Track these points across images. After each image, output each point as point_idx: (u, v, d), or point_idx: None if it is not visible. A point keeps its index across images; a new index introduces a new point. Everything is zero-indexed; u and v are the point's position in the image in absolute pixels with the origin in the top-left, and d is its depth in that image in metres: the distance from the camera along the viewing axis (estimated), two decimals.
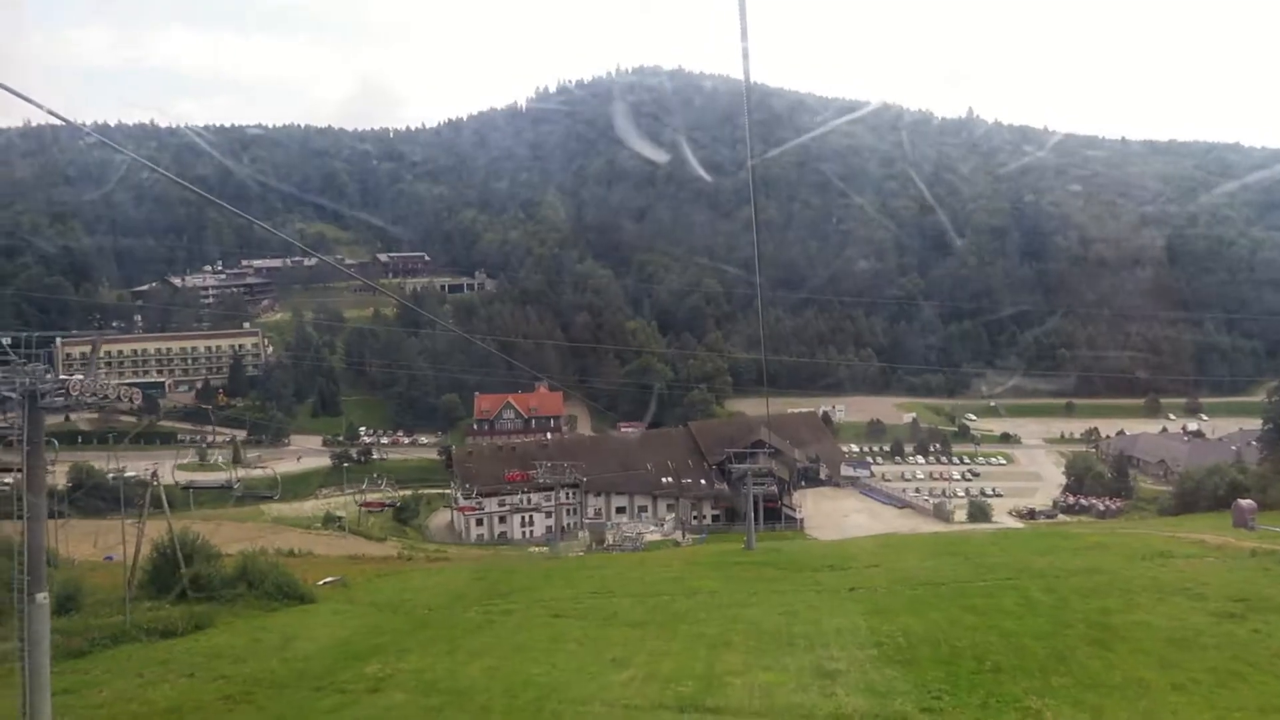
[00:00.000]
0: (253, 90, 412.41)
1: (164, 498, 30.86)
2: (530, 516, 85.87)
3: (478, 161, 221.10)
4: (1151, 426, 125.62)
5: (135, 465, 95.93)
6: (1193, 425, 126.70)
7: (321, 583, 34.17)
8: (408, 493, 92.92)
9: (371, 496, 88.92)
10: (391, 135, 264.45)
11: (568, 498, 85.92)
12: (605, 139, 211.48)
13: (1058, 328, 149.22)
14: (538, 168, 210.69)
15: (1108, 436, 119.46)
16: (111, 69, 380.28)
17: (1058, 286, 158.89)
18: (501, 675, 19.75)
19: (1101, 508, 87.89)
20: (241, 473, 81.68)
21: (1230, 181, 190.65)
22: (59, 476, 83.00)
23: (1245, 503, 39.63)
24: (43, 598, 13.26)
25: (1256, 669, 17.91)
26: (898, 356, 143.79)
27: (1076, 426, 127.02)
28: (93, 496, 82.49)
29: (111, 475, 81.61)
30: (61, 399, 13.40)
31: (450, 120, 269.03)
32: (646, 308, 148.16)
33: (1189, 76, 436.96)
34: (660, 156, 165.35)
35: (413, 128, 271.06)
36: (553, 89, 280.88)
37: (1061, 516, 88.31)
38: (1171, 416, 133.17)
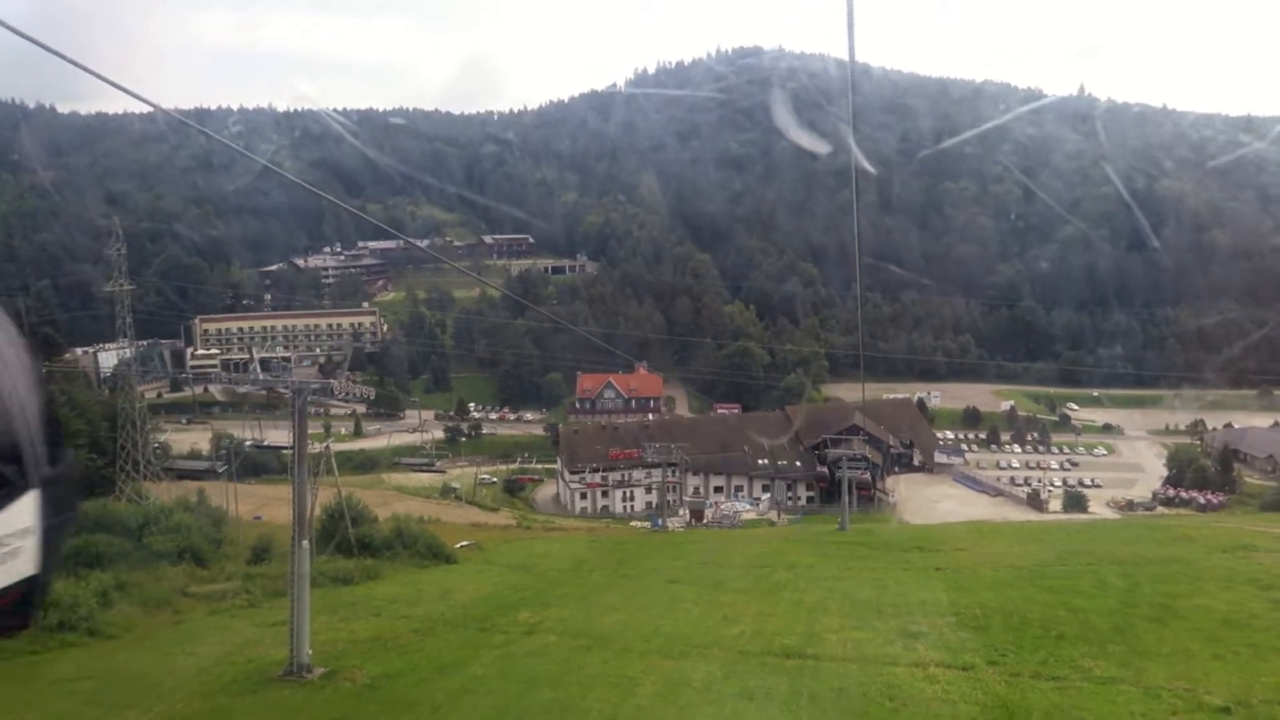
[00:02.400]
0: (360, 72, 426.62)
1: (334, 465, 35.62)
2: (631, 492, 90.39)
3: (578, 144, 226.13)
4: (1264, 420, 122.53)
5: (268, 434, 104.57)
6: None
7: (459, 545, 38.76)
8: (514, 465, 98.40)
9: (415, 461, 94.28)
10: (495, 118, 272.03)
11: (669, 476, 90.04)
12: (705, 121, 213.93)
13: (1168, 316, 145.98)
14: (636, 150, 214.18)
15: (1214, 429, 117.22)
16: (231, 50, 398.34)
17: (1170, 272, 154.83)
18: (632, 626, 23.60)
19: (1202, 501, 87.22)
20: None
21: None
22: (205, 443, 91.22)
23: None
24: (305, 544, 17.60)
25: None
26: (997, 344, 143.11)
27: (1183, 418, 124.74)
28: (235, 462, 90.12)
29: (250, 443, 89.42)
30: (320, 395, 17.62)
31: (551, 102, 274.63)
32: (745, 291, 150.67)
33: None
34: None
35: (514, 110, 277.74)
36: (651, 70, 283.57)
37: (1160, 509, 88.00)
38: None
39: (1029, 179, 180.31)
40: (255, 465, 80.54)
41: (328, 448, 40.42)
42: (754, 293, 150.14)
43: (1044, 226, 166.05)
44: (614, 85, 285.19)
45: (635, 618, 24.74)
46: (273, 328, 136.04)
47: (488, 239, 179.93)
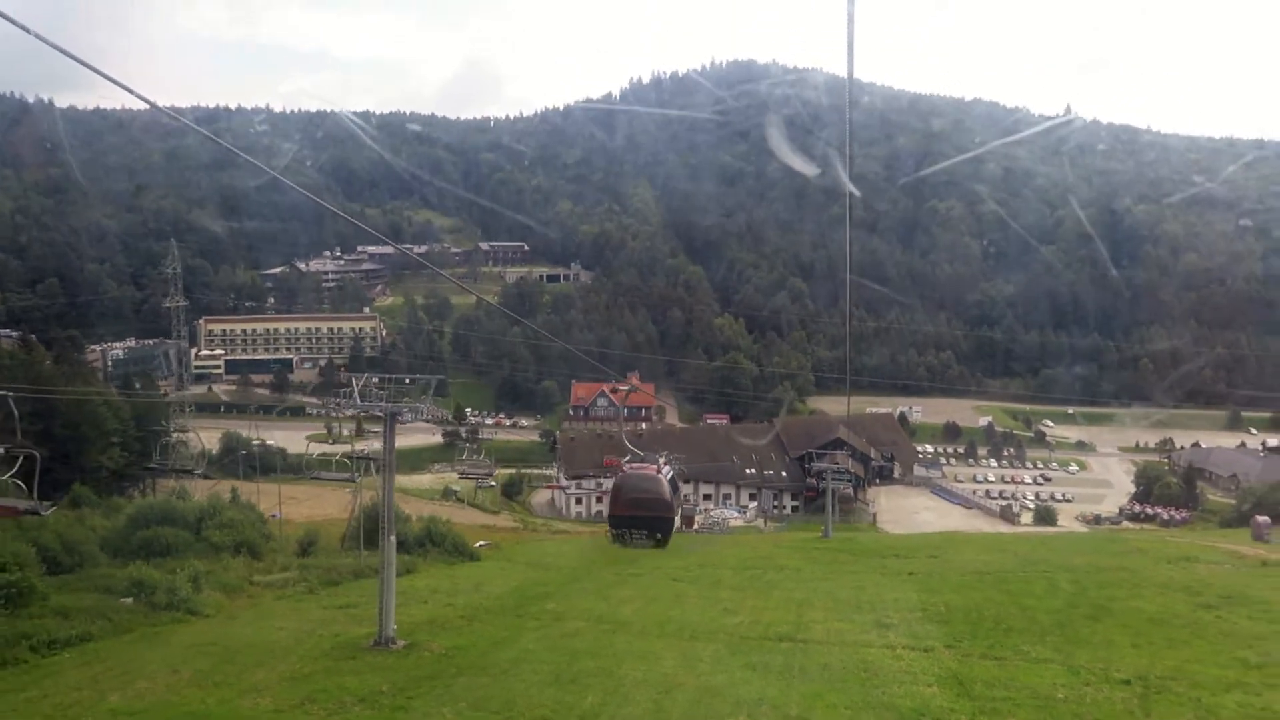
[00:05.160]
0: (356, 71, 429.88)
1: (373, 468, 39.23)
2: None
3: (573, 152, 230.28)
4: (1230, 440, 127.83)
5: (271, 435, 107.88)
6: (1273, 440, 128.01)
7: (479, 545, 42.63)
8: (512, 471, 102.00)
9: (474, 470, 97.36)
10: (492, 124, 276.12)
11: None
12: (697, 133, 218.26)
13: (1142, 336, 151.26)
14: (631, 160, 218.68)
15: (1182, 448, 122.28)
16: (227, 45, 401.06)
17: (1144, 295, 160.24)
18: (647, 614, 27.58)
19: (1166, 517, 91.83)
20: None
21: None
22: (213, 443, 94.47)
23: (1261, 519, 45.18)
24: (393, 538, 21.54)
25: (1200, 639, 24.56)
26: (977, 361, 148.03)
27: (1153, 437, 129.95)
28: (242, 462, 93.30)
29: (256, 443, 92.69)
30: (411, 418, 21.60)
31: (547, 109, 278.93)
32: (735, 304, 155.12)
33: None
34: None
35: (511, 116, 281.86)
36: (647, 80, 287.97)
37: (1126, 524, 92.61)
38: (1253, 431, 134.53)
39: (1012, 200, 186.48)
40: (264, 465, 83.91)
41: (366, 454, 43.81)
42: (744, 306, 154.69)
43: (1025, 247, 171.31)
44: (610, 94, 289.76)
45: (648, 608, 28.72)
46: (275, 330, 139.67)
47: (484, 246, 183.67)
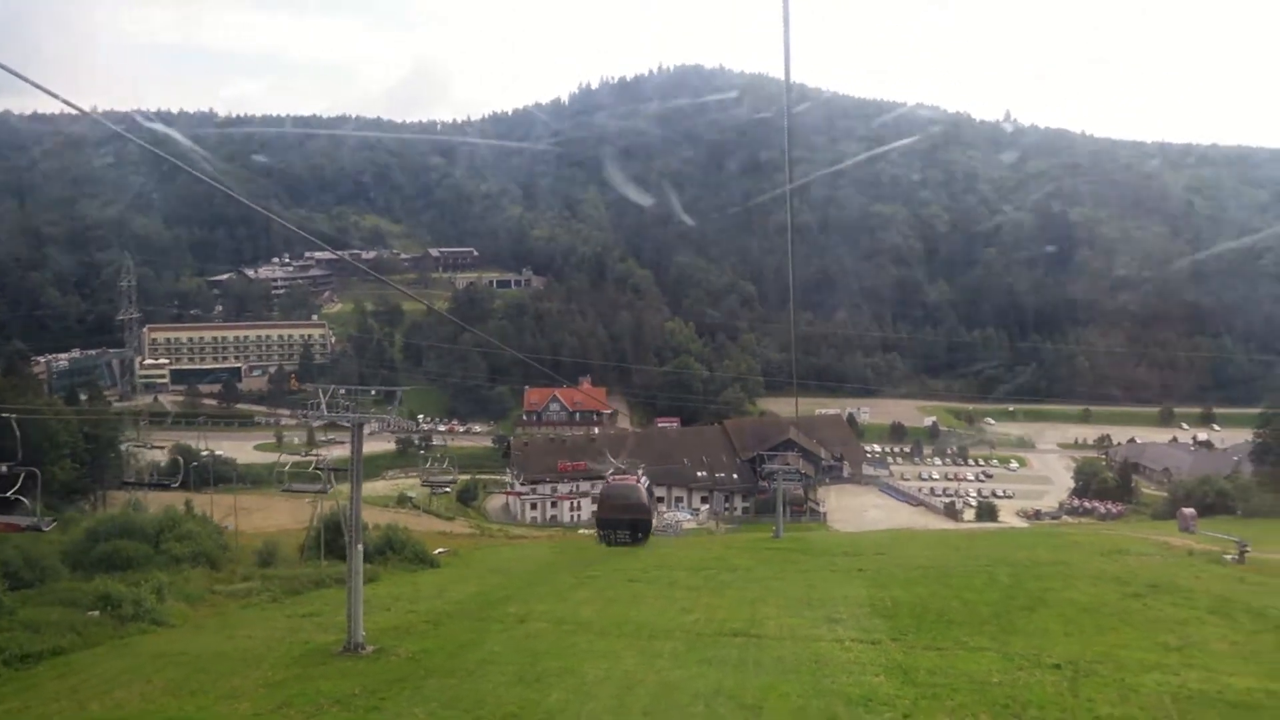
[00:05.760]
0: (300, 74, 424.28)
1: (332, 478, 39.52)
2: (579, 502, 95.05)
3: (522, 158, 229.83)
4: (1164, 435, 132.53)
5: (220, 445, 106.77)
6: (1203, 435, 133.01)
7: (438, 551, 43.17)
8: (467, 477, 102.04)
9: (439, 478, 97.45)
10: (439, 128, 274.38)
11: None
12: (646, 138, 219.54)
13: (1079, 336, 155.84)
14: (580, 166, 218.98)
15: (1118, 444, 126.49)
16: (167, 48, 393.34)
17: (1081, 295, 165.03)
18: (606, 615, 28.50)
19: (1103, 511, 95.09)
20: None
21: (1263, 190, 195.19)
22: (162, 455, 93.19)
23: (1187, 511, 47.53)
24: (360, 546, 22.20)
25: (1127, 625, 26.22)
26: (923, 362, 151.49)
27: (1091, 433, 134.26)
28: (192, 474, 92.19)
29: (205, 454, 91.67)
30: (379, 428, 22.21)
31: (495, 114, 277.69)
32: (685, 308, 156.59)
33: (1236, 78, 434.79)
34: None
35: (459, 121, 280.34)
36: (595, 85, 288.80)
37: (1066, 518, 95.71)
38: (1184, 426, 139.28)
39: (955, 203, 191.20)
40: (217, 477, 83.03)
41: (321, 464, 43.92)
42: (694, 310, 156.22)
43: (967, 249, 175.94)
44: (558, 99, 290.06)
45: (607, 609, 29.64)
46: (223, 338, 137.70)
47: (434, 252, 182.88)
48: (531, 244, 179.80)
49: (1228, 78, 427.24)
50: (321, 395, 22.44)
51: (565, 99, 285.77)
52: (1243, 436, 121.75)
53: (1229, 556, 41.51)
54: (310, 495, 40.85)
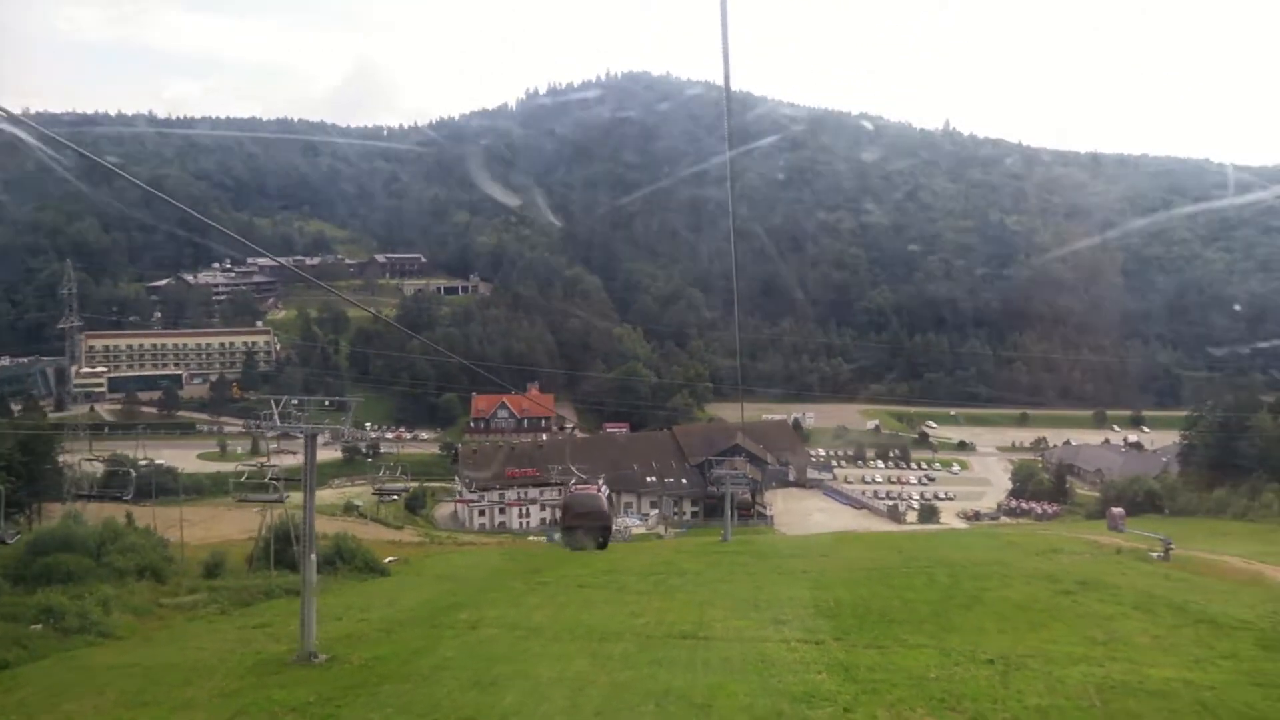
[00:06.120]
0: (242, 75, 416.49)
1: (281, 488, 39.42)
2: (527, 509, 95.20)
3: (469, 162, 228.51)
4: (1097, 437, 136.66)
5: (159, 453, 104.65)
6: (1134, 437, 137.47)
7: (388, 560, 43.18)
8: (415, 484, 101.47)
9: (390, 486, 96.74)
10: (385, 133, 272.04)
11: (560, 494, 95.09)
12: (594, 144, 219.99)
13: (1017, 341, 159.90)
14: (527, 171, 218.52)
15: (1054, 446, 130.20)
16: (104, 46, 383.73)
17: (1019, 301, 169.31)
18: (558, 619, 28.99)
19: (1039, 511, 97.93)
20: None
21: (1190, 200, 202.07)
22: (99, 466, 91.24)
23: (1116, 510, 49.47)
24: (314, 556, 22.37)
25: (1058, 621, 27.52)
26: (866, 367, 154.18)
27: (1028, 436, 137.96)
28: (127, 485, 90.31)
29: (144, 463, 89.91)
30: (334, 440, 22.43)
31: (442, 119, 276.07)
32: (633, 314, 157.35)
33: (1166, 90, 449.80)
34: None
35: (405, 126, 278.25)
36: (543, 91, 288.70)
37: (1004, 519, 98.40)
38: (1116, 428, 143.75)
39: (897, 211, 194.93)
40: (160, 488, 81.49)
41: (275, 476, 43.78)
42: (642, 316, 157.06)
43: (909, 256, 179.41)
44: (505, 104, 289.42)
45: (559, 614, 30.13)
46: (162, 345, 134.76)
47: (380, 258, 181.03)
48: (479, 249, 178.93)
49: (1168, 88, 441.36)
50: (274, 406, 22.58)
51: (512, 103, 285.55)
52: (1171, 438, 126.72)
53: (1154, 554, 43.43)
54: (259, 505, 40.74)
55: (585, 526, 51.04)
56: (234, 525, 63.53)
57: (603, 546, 51.44)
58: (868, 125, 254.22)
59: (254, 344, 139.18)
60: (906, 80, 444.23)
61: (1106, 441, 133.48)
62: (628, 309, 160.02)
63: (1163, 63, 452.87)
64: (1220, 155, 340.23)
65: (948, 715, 17.27)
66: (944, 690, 18.99)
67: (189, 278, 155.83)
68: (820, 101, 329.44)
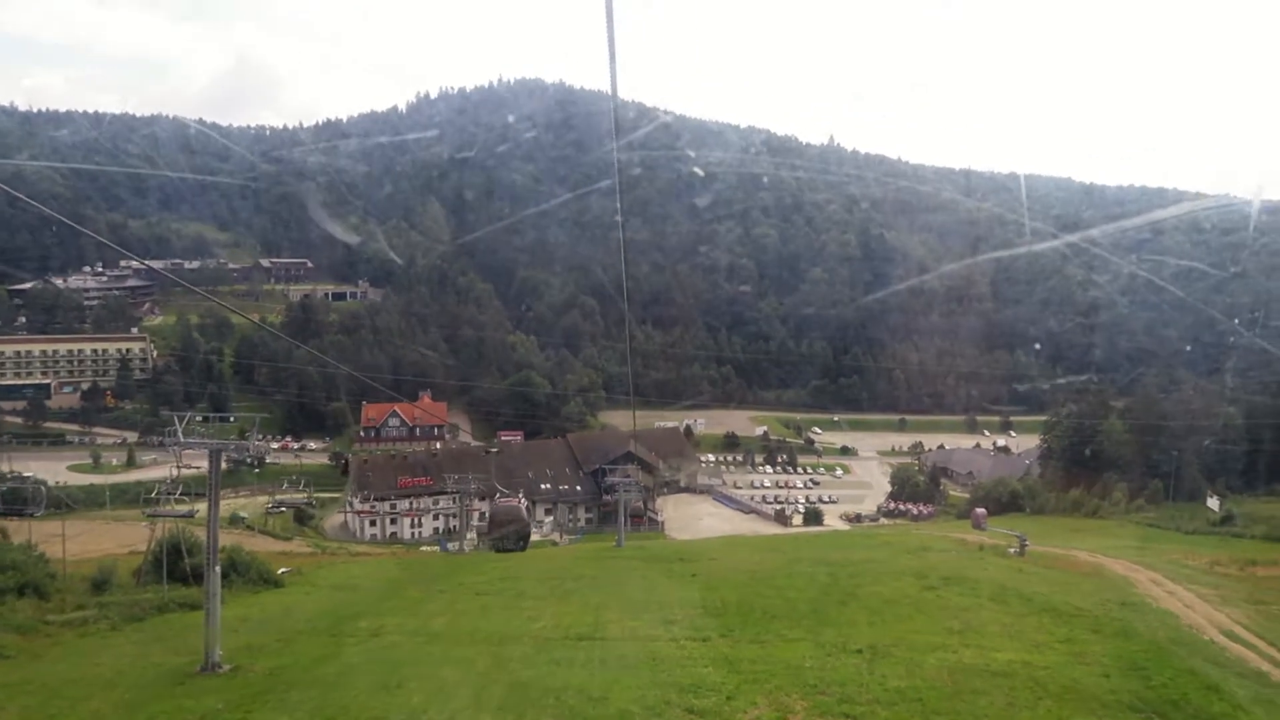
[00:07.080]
0: (109, 66, 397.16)
1: (173, 503, 39.04)
2: (419, 519, 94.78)
3: (358, 167, 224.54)
4: (969, 441, 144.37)
5: (27, 466, 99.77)
6: (1002, 441, 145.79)
7: (281, 571, 43.05)
8: (305, 495, 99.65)
9: (288, 498, 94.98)
10: (269, 134, 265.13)
11: (455, 503, 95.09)
12: (487, 150, 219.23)
13: (896, 351, 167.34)
14: (419, 176, 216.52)
15: (929, 450, 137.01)
16: None
17: (898, 312, 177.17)
18: (457, 626, 29.92)
19: (915, 512, 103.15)
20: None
21: (1063, 219, 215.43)
22: None
23: (979, 511, 53.27)
24: (217, 569, 22.82)
25: (921, 613, 30.03)
26: (754, 374, 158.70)
27: (907, 440, 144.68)
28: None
29: (11, 476, 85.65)
30: (240, 455, 22.91)
31: (329, 121, 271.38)
32: (527, 322, 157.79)
33: (1035, 111, 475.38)
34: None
35: (290, 126, 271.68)
36: (434, 94, 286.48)
37: (883, 520, 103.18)
38: (986, 433, 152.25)
39: (784, 223, 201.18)
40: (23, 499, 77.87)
41: (173, 488, 43.04)
42: (536, 323, 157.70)
43: (797, 267, 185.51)
44: (395, 108, 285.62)
45: (458, 620, 31.06)
46: (28, 352, 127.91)
47: (265, 262, 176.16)
48: (369, 255, 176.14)
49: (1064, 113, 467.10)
50: (178, 422, 22.94)
51: (403, 107, 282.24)
52: (1034, 442, 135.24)
53: (1012, 550, 47.14)
54: (149, 520, 40.17)
55: (509, 534, 59.98)
56: (114, 539, 61.71)
57: (522, 548, 60.42)
58: (756, 139, 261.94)
59: (128, 351, 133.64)
60: (793, 94, 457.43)
61: (978, 446, 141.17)
62: (522, 317, 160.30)
63: (1034, 83, 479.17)
64: (1082, 174, 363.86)
65: (818, 699, 19.16)
66: (817, 678, 20.94)
67: (57, 281, 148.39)
68: (713, 114, 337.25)
